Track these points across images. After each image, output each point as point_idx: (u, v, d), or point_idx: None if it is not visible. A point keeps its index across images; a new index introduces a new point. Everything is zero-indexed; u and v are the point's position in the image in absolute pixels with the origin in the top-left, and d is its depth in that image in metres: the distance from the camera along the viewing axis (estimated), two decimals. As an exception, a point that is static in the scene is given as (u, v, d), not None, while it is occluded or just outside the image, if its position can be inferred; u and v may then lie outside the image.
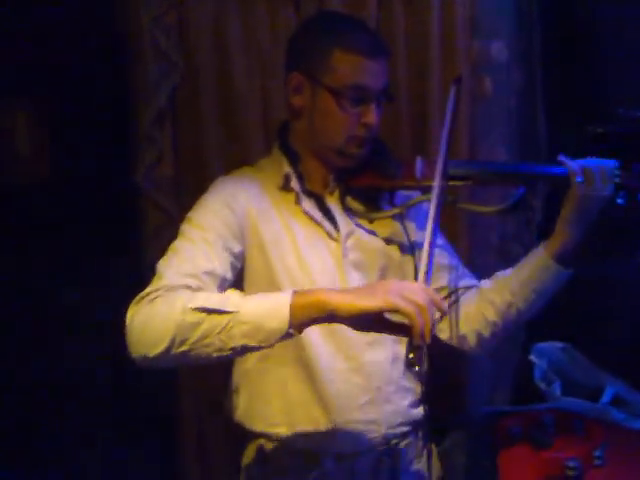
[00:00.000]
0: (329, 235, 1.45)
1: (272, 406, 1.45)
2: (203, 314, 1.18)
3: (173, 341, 1.18)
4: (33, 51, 1.93)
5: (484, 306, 1.49)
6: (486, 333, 1.51)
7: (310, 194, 1.46)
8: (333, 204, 1.47)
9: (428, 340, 1.12)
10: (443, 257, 1.53)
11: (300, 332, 1.18)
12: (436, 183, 1.34)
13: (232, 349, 1.18)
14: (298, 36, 1.47)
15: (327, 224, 1.45)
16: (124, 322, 1.23)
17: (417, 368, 1.14)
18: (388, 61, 1.42)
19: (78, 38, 1.94)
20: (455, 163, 1.44)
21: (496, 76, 1.95)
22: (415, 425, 1.52)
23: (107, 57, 1.96)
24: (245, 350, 1.19)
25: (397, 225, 1.49)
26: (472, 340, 1.53)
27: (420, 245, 1.38)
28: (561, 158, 1.41)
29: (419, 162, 1.46)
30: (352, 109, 1.39)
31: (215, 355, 1.19)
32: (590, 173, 1.37)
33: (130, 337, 1.22)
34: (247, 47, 1.97)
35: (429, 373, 1.51)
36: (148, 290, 1.25)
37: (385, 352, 1.46)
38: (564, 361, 2.00)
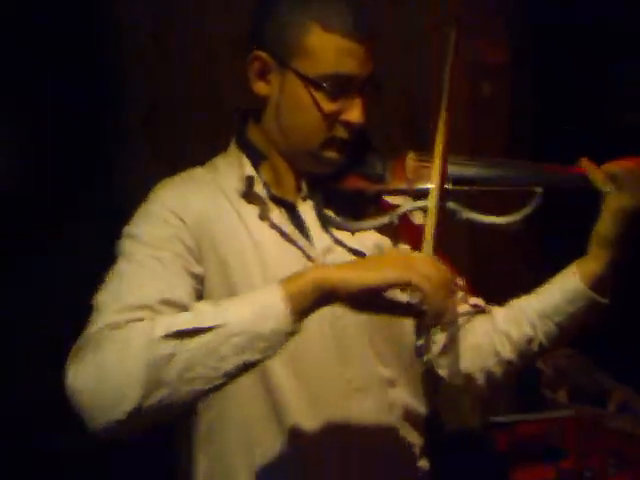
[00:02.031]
0: (304, 253, 1.15)
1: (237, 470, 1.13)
2: (176, 340, 0.91)
3: (144, 389, 0.89)
4: (10, 57, 1.86)
5: (498, 340, 1.22)
6: (498, 372, 1.23)
7: (279, 202, 1.17)
8: (306, 213, 1.18)
9: (443, 320, 0.99)
10: None
11: (300, 326, 0.96)
12: (434, 184, 1.10)
13: (226, 374, 0.93)
14: (264, 5, 1.15)
15: (301, 240, 1.16)
16: (65, 387, 0.93)
17: (426, 356, 1.00)
18: (374, 42, 1.13)
19: (56, 41, 1.87)
20: (457, 160, 1.18)
21: (494, 79, 1.91)
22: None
23: (87, 61, 1.89)
24: (244, 369, 0.95)
25: (384, 238, 1.21)
26: (481, 380, 1.25)
27: None
28: (585, 165, 1.16)
29: (411, 159, 1.19)
30: (331, 103, 1.10)
31: (205, 389, 0.93)
32: (623, 179, 1.12)
33: (80, 404, 0.91)
34: (230, 38, 1.87)
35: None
36: (86, 334, 0.96)
37: (375, 401, 1.17)
38: (570, 367, 1.97)
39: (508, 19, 1.92)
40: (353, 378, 1.14)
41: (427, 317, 0.96)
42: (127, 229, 1.11)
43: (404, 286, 0.95)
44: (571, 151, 1.22)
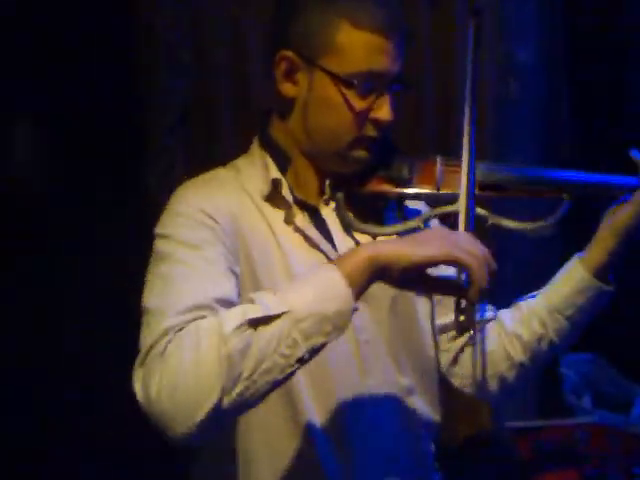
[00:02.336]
0: (327, 258, 1.14)
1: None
2: (248, 331, 0.89)
3: (223, 387, 0.88)
4: (44, 59, 1.86)
5: (508, 343, 1.21)
6: (511, 376, 1.22)
7: (302, 205, 1.15)
8: (329, 217, 1.16)
9: (485, 298, 0.98)
10: None
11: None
12: (462, 190, 1.08)
13: (299, 360, 0.91)
14: (289, 5, 1.13)
15: (325, 244, 1.14)
16: (134, 399, 0.91)
17: (471, 332, 0.98)
18: (404, 39, 1.11)
19: (89, 43, 1.87)
20: (486, 167, 1.17)
21: (522, 79, 1.90)
22: None
23: (120, 62, 1.90)
24: (312, 355, 0.93)
25: None
26: (494, 386, 1.24)
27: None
28: (635, 153, 1.15)
29: (440, 163, 1.16)
30: (361, 102, 1.08)
31: (280, 379, 0.91)
32: None
33: (159, 413, 0.89)
34: (264, 49, 1.90)
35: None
36: (149, 341, 0.94)
37: (395, 411, 1.16)
38: (593, 373, 1.96)
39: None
40: (374, 387, 1.13)
41: (471, 293, 0.95)
42: (161, 231, 1.08)
43: (451, 262, 0.96)
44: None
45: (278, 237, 1.12)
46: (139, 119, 1.92)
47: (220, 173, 1.17)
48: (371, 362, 1.14)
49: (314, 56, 1.08)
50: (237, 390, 0.89)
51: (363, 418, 1.12)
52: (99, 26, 1.85)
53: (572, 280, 1.17)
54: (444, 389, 1.27)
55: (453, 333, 1.22)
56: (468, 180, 1.10)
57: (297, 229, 1.13)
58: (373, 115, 1.09)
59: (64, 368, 1.85)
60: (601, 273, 1.15)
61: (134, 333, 0.99)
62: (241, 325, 0.89)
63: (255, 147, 1.18)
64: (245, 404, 0.91)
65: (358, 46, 1.06)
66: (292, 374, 0.93)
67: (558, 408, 1.91)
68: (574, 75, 1.95)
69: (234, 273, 1.05)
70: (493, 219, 1.14)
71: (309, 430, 1.09)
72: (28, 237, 1.85)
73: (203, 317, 0.94)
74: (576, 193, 1.16)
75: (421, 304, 1.21)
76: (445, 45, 1.89)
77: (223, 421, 0.92)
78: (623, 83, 2.02)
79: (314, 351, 0.93)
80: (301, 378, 1.08)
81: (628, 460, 1.62)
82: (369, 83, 1.07)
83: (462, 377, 1.25)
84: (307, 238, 1.13)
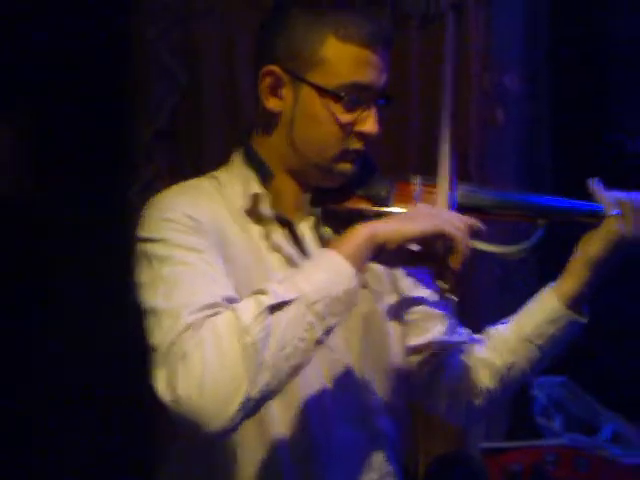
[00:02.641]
0: None
1: None
2: (267, 319, 0.91)
3: (250, 379, 0.89)
4: (32, 62, 1.86)
5: (480, 369, 1.23)
6: (480, 402, 1.24)
7: (281, 221, 1.15)
8: (306, 233, 1.16)
9: (466, 268, 1.02)
10: (430, 304, 1.25)
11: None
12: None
13: (317, 341, 0.94)
14: (275, 20, 1.13)
15: (301, 262, 1.12)
16: (157, 402, 0.91)
17: (454, 297, 1.05)
18: (390, 53, 1.13)
19: (80, 50, 1.87)
20: (465, 189, 1.18)
21: (507, 107, 1.94)
22: None
23: (109, 71, 1.90)
24: (327, 335, 0.96)
25: (378, 264, 1.17)
26: (463, 411, 1.26)
27: (412, 296, 1.22)
28: (595, 186, 1.18)
29: (419, 183, 1.18)
30: (347, 115, 1.09)
31: (302, 362, 0.94)
32: (630, 208, 1.14)
33: (188, 413, 0.89)
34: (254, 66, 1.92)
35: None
36: (166, 341, 0.93)
37: (363, 430, 1.16)
38: (564, 396, 1.99)
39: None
40: (341, 406, 1.13)
41: (455, 261, 1.01)
42: (150, 235, 1.06)
43: (439, 234, 1.01)
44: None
45: (257, 252, 1.12)
46: (126, 130, 1.93)
47: (202, 182, 1.17)
48: (340, 381, 1.14)
49: (300, 70, 1.09)
50: (264, 379, 0.90)
51: (331, 436, 1.13)
52: (89, 36, 1.85)
53: (544, 310, 1.19)
54: (415, 410, 1.29)
55: (423, 354, 1.24)
56: (447, 200, 1.12)
57: (275, 246, 1.13)
58: (359, 128, 1.10)
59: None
60: (574, 304, 1.17)
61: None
62: (260, 313, 0.91)
63: (237, 161, 1.18)
64: (272, 391, 0.93)
65: (344, 59, 1.07)
66: (311, 358, 0.96)
67: (528, 430, 1.94)
68: (556, 102, 2.00)
69: (228, 277, 1.05)
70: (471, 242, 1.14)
71: (276, 446, 1.09)
72: (8, 249, 1.84)
73: (217, 313, 0.94)
74: (551, 219, 1.17)
75: (392, 326, 1.21)
76: (434, 65, 1.92)
77: (254, 410, 0.93)
78: (604, 110, 2.08)
79: (328, 331, 0.96)
80: (274, 403, 1.06)
81: (594, 483, 1.66)
82: (355, 96, 1.09)
83: (432, 400, 1.26)
84: (285, 255, 1.13)
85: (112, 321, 1.70)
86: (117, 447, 1.91)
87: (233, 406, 0.89)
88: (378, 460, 1.17)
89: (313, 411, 1.11)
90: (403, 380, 1.22)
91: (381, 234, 0.99)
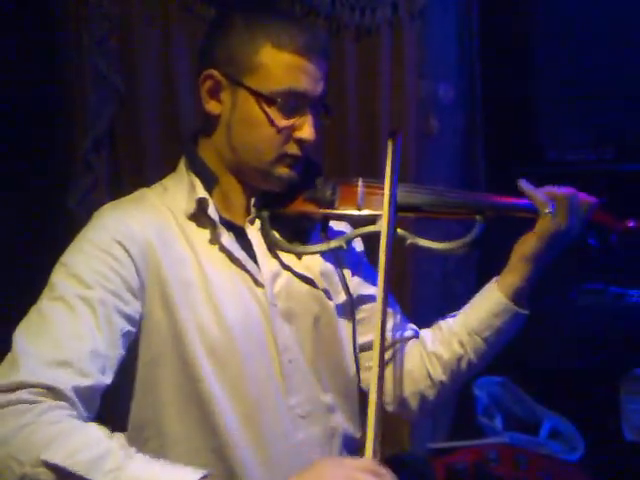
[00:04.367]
0: (253, 279, 1.15)
1: None
2: (55, 476, 0.86)
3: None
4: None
5: (429, 362, 1.26)
6: (430, 395, 1.27)
7: (228, 225, 1.16)
8: (254, 237, 1.18)
9: None
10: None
11: None
12: (386, 211, 1.13)
13: None
14: (217, 26, 1.17)
15: (251, 264, 1.15)
16: None
17: None
18: (329, 64, 1.17)
19: (13, 58, 1.83)
20: (405, 188, 1.22)
21: (442, 116, 1.99)
22: None
23: (44, 80, 1.86)
24: None
25: (328, 264, 1.23)
26: (414, 404, 1.28)
27: (360, 294, 1.25)
28: (524, 185, 1.20)
29: (361, 185, 1.22)
30: (284, 120, 1.13)
31: None
32: (561, 200, 1.17)
33: None
34: (194, 73, 1.91)
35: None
36: (1, 383, 0.92)
37: (319, 427, 1.19)
38: (503, 395, 2.04)
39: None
40: (297, 405, 1.15)
41: None
42: (64, 256, 1.06)
43: None
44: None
45: (200, 256, 1.12)
46: (64, 137, 1.89)
47: (145, 193, 1.18)
48: (294, 381, 1.16)
49: (238, 75, 1.12)
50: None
51: (286, 435, 1.14)
52: (21, 41, 1.82)
53: (489, 303, 1.23)
54: (365, 408, 1.30)
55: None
56: (389, 204, 1.16)
57: (223, 249, 1.14)
58: (296, 134, 1.14)
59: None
60: (517, 297, 1.22)
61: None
62: (53, 464, 0.86)
63: (181, 167, 1.20)
64: None
65: (279, 65, 1.11)
66: None
67: (471, 429, 1.98)
68: (488, 111, 2.07)
69: (124, 316, 1.03)
70: (412, 239, 1.20)
71: (231, 448, 1.09)
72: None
73: (57, 387, 0.91)
74: (488, 215, 1.22)
75: (343, 324, 1.24)
76: (369, 75, 1.96)
77: None
78: (534, 117, 2.16)
79: None
80: (221, 394, 1.09)
81: (536, 478, 1.69)
82: (292, 102, 1.12)
83: (384, 394, 1.27)
84: (233, 258, 1.14)
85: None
86: None
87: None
88: (335, 455, 1.19)
89: (268, 412, 1.12)
90: (355, 378, 1.25)
91: None
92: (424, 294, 2.02)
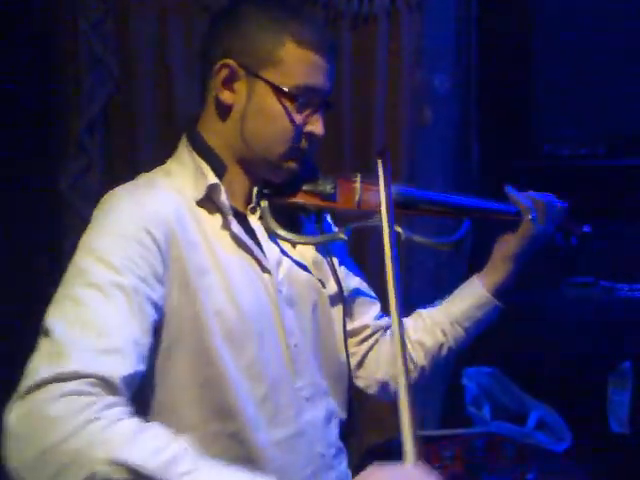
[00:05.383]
0: (260, 265, 1.17)
1: None
2: (129, 476, 0.83)
3: (54, 474, 0.82)
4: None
5: (412, 349, 1.32)
6: (412, 379, 1.30)
7: (234, 212, 1.16)
8: (256, 225, 1.20)
9: None
10: (363, 291, 1.34)
11: None
12: (384, 207, 1.17)
13: None
14: (230, 15, 1.16)
15: (258, 251, 1.16)
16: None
17: None
18: (336, 61, 1.20)
19: (8, 40, 1.82)
20: (397, 189, 1.27)
21: (436, 107, 2.00)
22: None
23: (38, 62, 1.85)
24: None
25: (319, 254, 1.26)
26: (394, 388, 1.29)
27: (346, 285, 1.28)
28: (509, 191, 1.30)
29: (359, 181, 1.26)
30: (298, 115, 1.14)
31: None
32: (542, 206, 1.28)
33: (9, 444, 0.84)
34: (188, 57, 1.91)
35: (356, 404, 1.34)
36: (47, 374, 0.86)
37: (321, 409, 1.22)
38: (492, 385, 2.06)
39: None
40: (303, 388, 1.18)
41: None
42: (87, 240, 1.02)
43: None
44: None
45: (211, 242, 1.11)
46: (58, 117, 1.89)
47: (151, 178, 1.16)
48: (300, 364, 1.19)
49: (256, 67, 1.13)
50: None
51: (295, 417, 1.17)
52: (22, 20, 1.80)
53: (472, 296, 1.32)
54: (353, 396, 1.32)
55: (360, 337, 1.32)
56: (388, 203, 1.19)
57: (233, 236, 1.14)
58: (307, 129, 1.16)
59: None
60: (497, 292, 1.31)
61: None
62: (128, 465, 0.83)
63: (184, 151, 1.18)
64: None
65: (300, 62, 1.12)
66: None
67: (460, 418, 2.00)
68: (483, 103, 2.08)
69: (152, 303, 1.01)
70: (406, 235, 1.25)
71: (248, 431, 1.10)
72: None
73: (108, 378, 0.88)
74: (473, 216, 1.32)
75: (335, 310, 1.27)
76: (365, 65, 1.97)
77: None
78: (530, 111, 2.18)
79: None
80: (238, 378, 1.09)
81: (522, 468, 1.71)
82: (306, 98, 1.14)
83: (367, 379, 1.33)
84: (242, 244, 1.15)
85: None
86: None
87: (28, 453, 0.83)
88: (333, 436, 1.24)
89: (280, 394, 1.15)
90: (345, 364, 1.28)
91: None
92: (417, 284, 2.03)
